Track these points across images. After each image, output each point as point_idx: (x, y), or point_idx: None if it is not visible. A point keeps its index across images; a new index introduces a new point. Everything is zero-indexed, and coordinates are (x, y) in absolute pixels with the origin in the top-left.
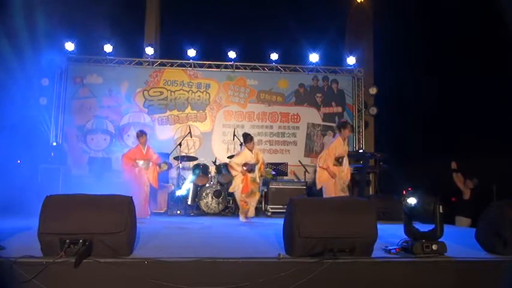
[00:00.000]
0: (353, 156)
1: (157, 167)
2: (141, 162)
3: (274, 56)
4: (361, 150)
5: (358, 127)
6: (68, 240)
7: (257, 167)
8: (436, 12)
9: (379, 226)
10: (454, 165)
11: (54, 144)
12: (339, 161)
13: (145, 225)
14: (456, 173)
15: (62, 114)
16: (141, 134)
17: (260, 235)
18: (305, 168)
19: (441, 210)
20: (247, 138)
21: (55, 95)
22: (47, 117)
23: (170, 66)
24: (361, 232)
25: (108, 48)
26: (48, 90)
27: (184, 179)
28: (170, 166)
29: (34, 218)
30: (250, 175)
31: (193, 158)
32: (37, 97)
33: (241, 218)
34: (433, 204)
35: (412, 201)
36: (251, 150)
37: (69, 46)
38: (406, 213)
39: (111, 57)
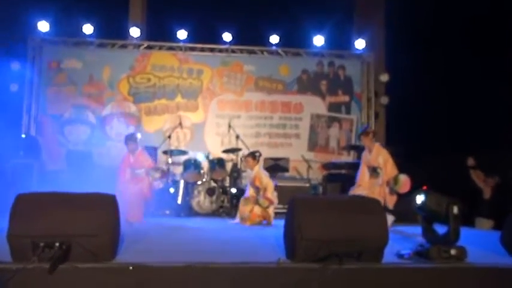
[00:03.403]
0: (361, 150)
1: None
2: (133, 170)
3: (274, 39)
4: None
5: (368, 118)
6: (41, 244)
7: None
8: None
9: (391, 228)
10: (470, 161)
11: (23, 136)
12: (371, 171)
13: (130, 226)
14: (474, 170)
15: (35, 103)
16: (125, 141)
17: (258, 238)
18: (308, 164)
19: (456, 211)
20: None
21: (27, 81)
22: (18, 106)
23: (158, 49)
24: (371, 235)
25: (88, 29)
26: (20, 76)
27: (174, 175)
28: (164, 173)
29: (3, 219)
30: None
31: (184, 152)
32: (7, 83)
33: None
34: (445, 205)
35: (419, 200)
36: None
37: (44, 26)
38: (423, 214)
39: (92, 39)
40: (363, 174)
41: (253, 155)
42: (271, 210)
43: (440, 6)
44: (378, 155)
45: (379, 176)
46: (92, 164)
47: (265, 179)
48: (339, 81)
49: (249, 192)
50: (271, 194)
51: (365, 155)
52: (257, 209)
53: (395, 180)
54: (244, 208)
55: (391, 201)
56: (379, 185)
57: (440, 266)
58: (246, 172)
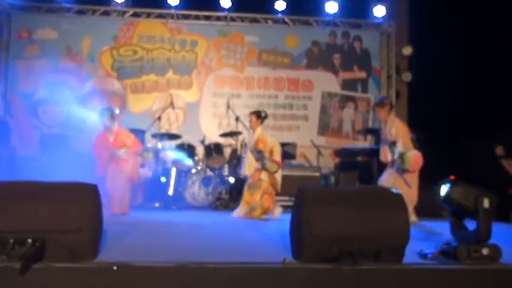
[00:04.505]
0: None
1: (139, 157)
2: (115, 150)
3: (280, 5)
4: None
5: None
6: (11, 240)
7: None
8: None
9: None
10: (500, 150)
11: None
12: (391, 148)
13: (114, 221)
14: (505, 159)
15: (3, 79)
16: (101, 115)
17: (261, 234)
18: (318, 150)
19: (486, 205)
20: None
21: None
22: None
23: (146, 17)
24: (390, 231)
25: None
26: None
27: (165, 162)
28: (156, 154)
29: None
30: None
31: (176, 136)
32: None
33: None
34: (474, 197)
35: (443, 191)
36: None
37: None
38: (449, 208)
39: (69, 5)
40: (385, 153)
41: (258, 114)
42: (278, 176)
43: None
44: (391, 127)
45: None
46: (70, 149)
47: (270, 140)
48: (355, 54)
49: (250, 169)
50: (279, 157)
51: (382, 130)
52: (266, 185)
53: (402, 157)
54: (252, 197)
55: (410, 178)
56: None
57: (470, 267)
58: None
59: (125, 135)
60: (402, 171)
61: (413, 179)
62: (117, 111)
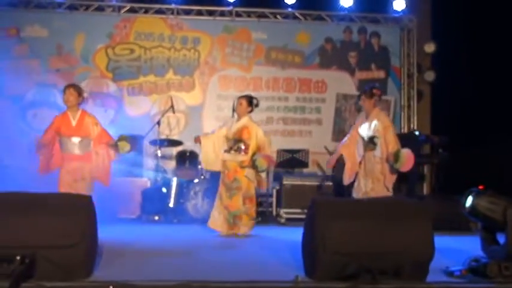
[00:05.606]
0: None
1: (111, 149)
2: (75, 141)
3: None
4: (416, 132)
5: (408, 99)
6: None
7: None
8: None
9: (437, 239)
10: None
11: None
12: (366, 142)
13: (110, 236)
14: None
15: None
16: (67, 89)
17: (270, 250)
18: None
19: None
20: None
21: None
22: None
23: (144, 12)
24: (412, 246)
25: None
26: None
27: (165, 170)
28: (134, 144)
29: None
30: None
31: (177, 143)
32: None
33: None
34: (502, 208)
35: (468, 202)
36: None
37: None
38: (476, 221)
39: (60, 0)
40: (352, 142)
41: (250, 99)
42: (264, 173)
43: None
44: (377, 120)
45: (376, 147)
46: None
47: (261, 134)
48: (372, 52)
49: (211, 163)
50: (270, 152)
51: (361, 120)
52: (246, 186)
53: (396, 156)
54: (232, 201)
55: (389, 181)
56: (379, 157)
57: (502, 286)
58: None
59: (91, 123)
60: (392, 170)
61: (391, 182)
62: (85, 94)
